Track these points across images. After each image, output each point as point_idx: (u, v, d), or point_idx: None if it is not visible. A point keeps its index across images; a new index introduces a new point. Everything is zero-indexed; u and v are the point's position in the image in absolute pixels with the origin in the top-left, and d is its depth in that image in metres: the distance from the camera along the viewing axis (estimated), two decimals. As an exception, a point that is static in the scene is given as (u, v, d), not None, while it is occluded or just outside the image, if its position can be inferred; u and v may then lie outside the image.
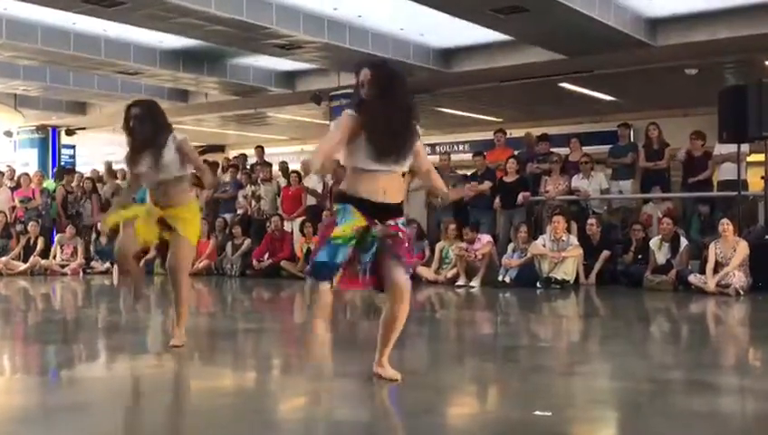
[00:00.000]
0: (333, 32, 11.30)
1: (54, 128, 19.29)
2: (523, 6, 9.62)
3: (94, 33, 11.91)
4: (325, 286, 3.77)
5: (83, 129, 19.33)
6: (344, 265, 3.76)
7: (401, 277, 3.82)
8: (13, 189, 14.64)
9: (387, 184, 3.79)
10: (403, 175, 3.96)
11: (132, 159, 5.06)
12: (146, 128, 4.99)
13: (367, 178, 3.78)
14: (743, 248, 8.63)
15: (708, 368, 4.66)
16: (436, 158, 14.74)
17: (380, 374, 3.98)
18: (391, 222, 3.81)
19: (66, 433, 3.21)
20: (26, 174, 15.03)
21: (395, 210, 3.85)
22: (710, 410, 3.56)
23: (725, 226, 8.74)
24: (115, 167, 14.07)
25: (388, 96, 3.78)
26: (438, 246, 10.66)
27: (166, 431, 3.39)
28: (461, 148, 19.51)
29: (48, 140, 19.37)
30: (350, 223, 3.72)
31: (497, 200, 11.15)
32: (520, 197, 10.90)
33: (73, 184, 14.42)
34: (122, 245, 5.19)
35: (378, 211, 3.77)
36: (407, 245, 3.86)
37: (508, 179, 11.17)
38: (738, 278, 8.47)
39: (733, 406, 3.75)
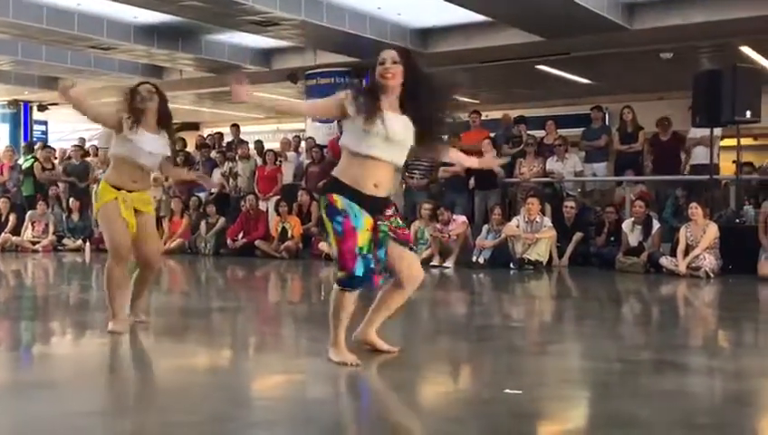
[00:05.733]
0: (310, 9, 11.18)
1: (26, 103, 19.01)
2: (501, -13, 9.61)
3: (67, 8, 11.71)
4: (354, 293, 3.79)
5: (56, 104, 19.05)
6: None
7: (417, 267, 3.95)
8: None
9: (381, 176, 3.77)
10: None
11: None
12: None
13: (364, 164, 3.72)
14: (712, 231, 8.73)
15: (678, 349, 4.71)
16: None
17: (374, 343, 4.09)
18: (388, 212, 3.83)
19: (37, 409, 3.18)
20: (-5, 149, 14.84)
21: (383, 202, 3.84)
22: (679, 389, 3.61)
23: (694, 209, 8.84)
24: (87, 145, 13.90)
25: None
26: (414, 226, 10.64)
27: (135, 408, 3.37)
28: (437, 129, 19.49)
29: (20, 116, 19.09)
30: (363, 227, 3.71)
31: (472, 181, 11.17)
32: (495, 167, 10.57)
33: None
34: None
35: (367, 204, 3.73)
36: (407, 230, 3.97)
37: (484, 161, 11.17)
38: (709, 261, 8.57)
39: (701, 386, 3.80)
